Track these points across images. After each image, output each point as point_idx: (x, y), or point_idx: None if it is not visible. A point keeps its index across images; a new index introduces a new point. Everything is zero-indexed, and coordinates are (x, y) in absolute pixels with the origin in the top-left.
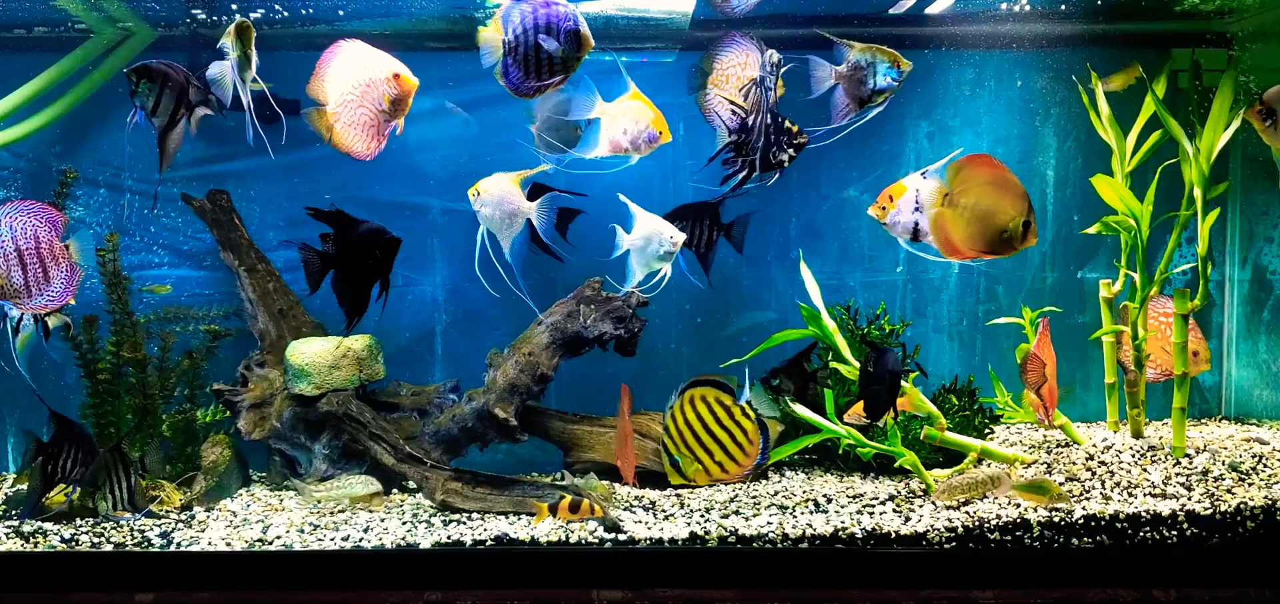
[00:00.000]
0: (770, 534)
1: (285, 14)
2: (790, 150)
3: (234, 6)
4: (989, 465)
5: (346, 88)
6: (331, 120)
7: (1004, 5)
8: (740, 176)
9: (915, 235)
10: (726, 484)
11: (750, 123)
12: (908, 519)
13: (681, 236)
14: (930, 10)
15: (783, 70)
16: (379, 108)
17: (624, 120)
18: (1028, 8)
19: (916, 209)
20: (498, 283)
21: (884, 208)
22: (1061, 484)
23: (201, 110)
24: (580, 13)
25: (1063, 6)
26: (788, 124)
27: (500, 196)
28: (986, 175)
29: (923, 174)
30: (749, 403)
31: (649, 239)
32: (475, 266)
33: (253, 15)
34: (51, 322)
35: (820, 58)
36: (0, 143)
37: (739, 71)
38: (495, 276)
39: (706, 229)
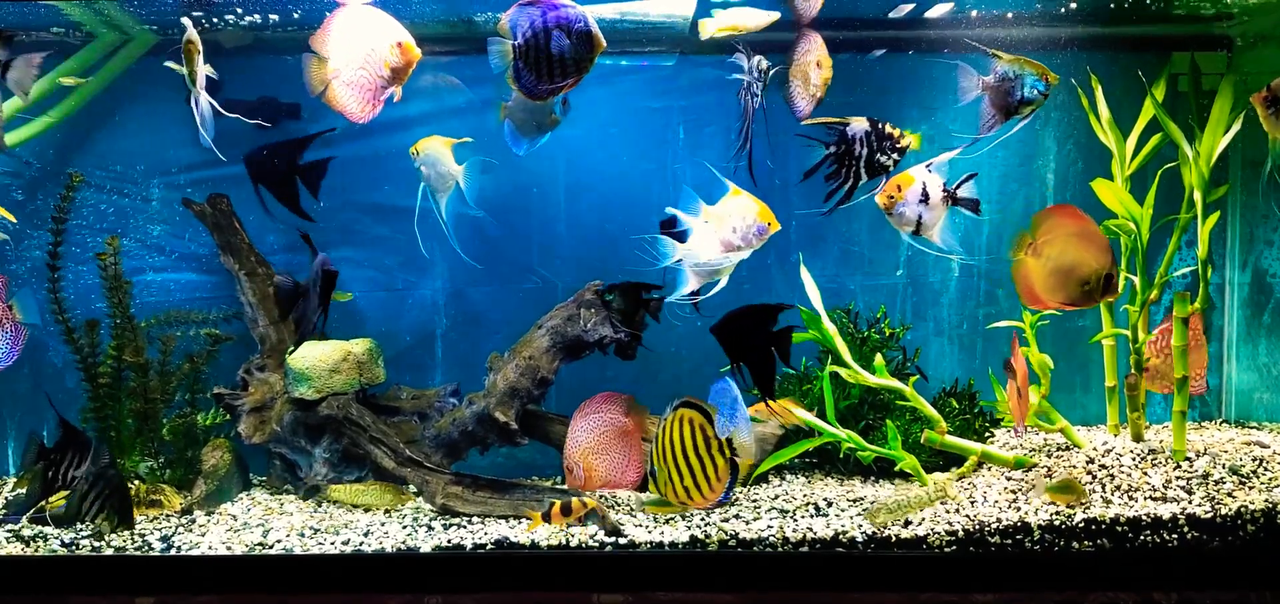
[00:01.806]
0: (771, 538)
1: (295, 17)
2: (894, 155)
3: (239, 9)
4: (924, 486)
5: (350, 46)
6: (330, 76)
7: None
8: (846, 188)
9: (918, 229)
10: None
11: (850, 133)
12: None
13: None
14: (930, 14)
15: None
16: (379, 73)
17: (733, 219)
18: (1027, 11)
19: (922, 202)
20: (495, 275)
21: (891, 197)
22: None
23: (27, 64)
24: (590, 14)
25: (1062, 9)
26: (889, 129)
27: (434, 157)
28: (1071, 227)
29: (928, 167)
30: (728, 440)
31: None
32: (416, 224)
33: (250, 18)
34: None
35: (969, 65)
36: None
37: (808, 65)
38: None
39: None
